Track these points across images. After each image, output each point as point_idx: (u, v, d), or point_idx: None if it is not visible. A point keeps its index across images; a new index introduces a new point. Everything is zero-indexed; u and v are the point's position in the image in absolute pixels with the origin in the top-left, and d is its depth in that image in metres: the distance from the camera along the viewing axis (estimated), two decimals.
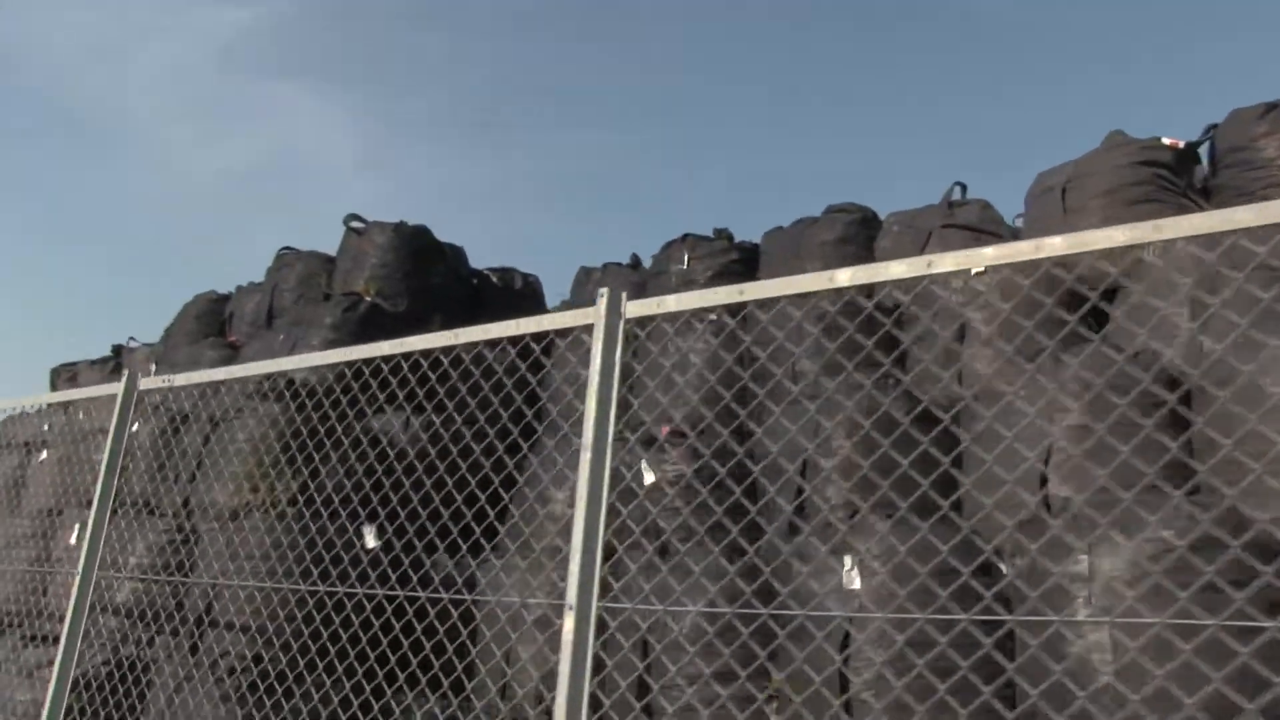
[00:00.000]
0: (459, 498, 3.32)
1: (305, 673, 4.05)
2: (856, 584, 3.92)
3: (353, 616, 3.73)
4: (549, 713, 3.96)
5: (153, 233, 27.45)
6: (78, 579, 3.84)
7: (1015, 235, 5.67)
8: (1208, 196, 4.92)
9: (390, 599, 3.60)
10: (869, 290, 4.26)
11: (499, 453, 3.34)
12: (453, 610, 3.38)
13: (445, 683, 3.53)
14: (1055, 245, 2.16)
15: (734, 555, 3.94)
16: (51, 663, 4.01)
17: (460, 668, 3.61)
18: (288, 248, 7.29)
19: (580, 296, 7.00)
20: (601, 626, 2.67)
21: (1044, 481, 3.88)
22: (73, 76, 27.05)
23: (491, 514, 3.25)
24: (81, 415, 6.13)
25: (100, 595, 4.39)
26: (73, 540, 5.43)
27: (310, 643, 3.98)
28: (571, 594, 2.63)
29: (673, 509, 4.46)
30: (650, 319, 2.86)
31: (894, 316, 4.24)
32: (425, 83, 28.39)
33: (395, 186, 26.72)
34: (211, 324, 7.39)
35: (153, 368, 6.83)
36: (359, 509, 4.37)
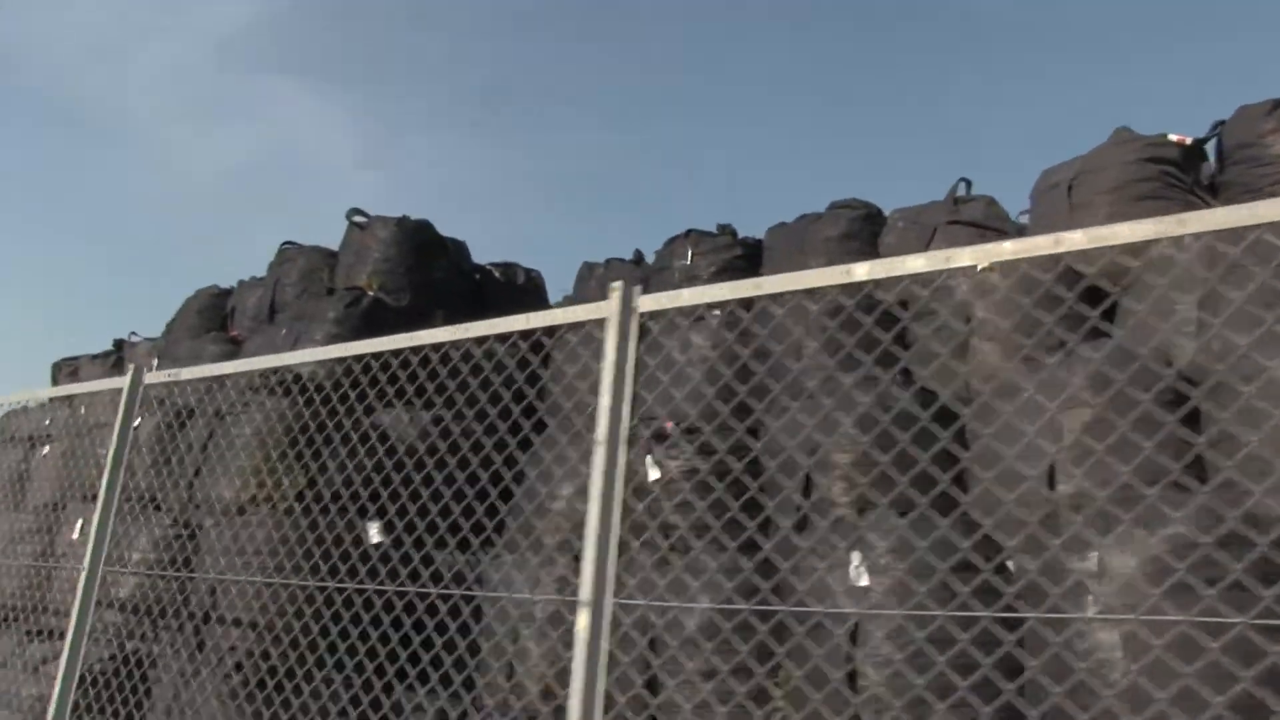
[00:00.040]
0: (471, 493, 3.31)
1: (312, 669, 4.04)
2: (864, 581, 3.91)
3: (362, 613, 3.71)
4: (559, 709, 3.95)
5: (153, 232, 27.42)
6: (84, 574, 3.83)
7: (1020, 231, 5.66)
8: (1215, 193, 4.91)
9: (396, 594, 3.58)
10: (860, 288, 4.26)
11: (510, 448, 3.33)
12: (463, 606, 3.36)
13: (456, 680, 3.52)
14: (1075, 240, 2.15)
15: (737, 553, 3.93)
16: (56, 657, 4.00)
17: (473, 664, 3.59)
18: (289, 242, 7.26)
19: (583, 292, 6.98)
20: (613, 623, 2.66)
21: (1052, 477, 3.87)
22: (72, 76, 27.00)
23: (504, 510, 3.23)
24: (84, 410, 6.11)
25: (104, 590, 4.37)
26: (75, 535, 5.41)
27: (320, 639, 3.96)
28: (585, 590, 2.62)
29: (677, 505, 4.44)
30: (662, 313, 2.85)
31: (907, 315, 4.22)
32: (425, 80, 28.35)
33: (395, 185, 26.69)
34: (213, 319, 7.36)
35: (154, 362, 6.79)
36: (364, 504, 4.35)
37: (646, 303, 2.82)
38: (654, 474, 4.70)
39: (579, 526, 2.79)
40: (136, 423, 4.30)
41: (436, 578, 3.83)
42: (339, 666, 3.78)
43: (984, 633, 2.68)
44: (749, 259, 6.52)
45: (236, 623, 4.40)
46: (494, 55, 25.74)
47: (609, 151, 26.24)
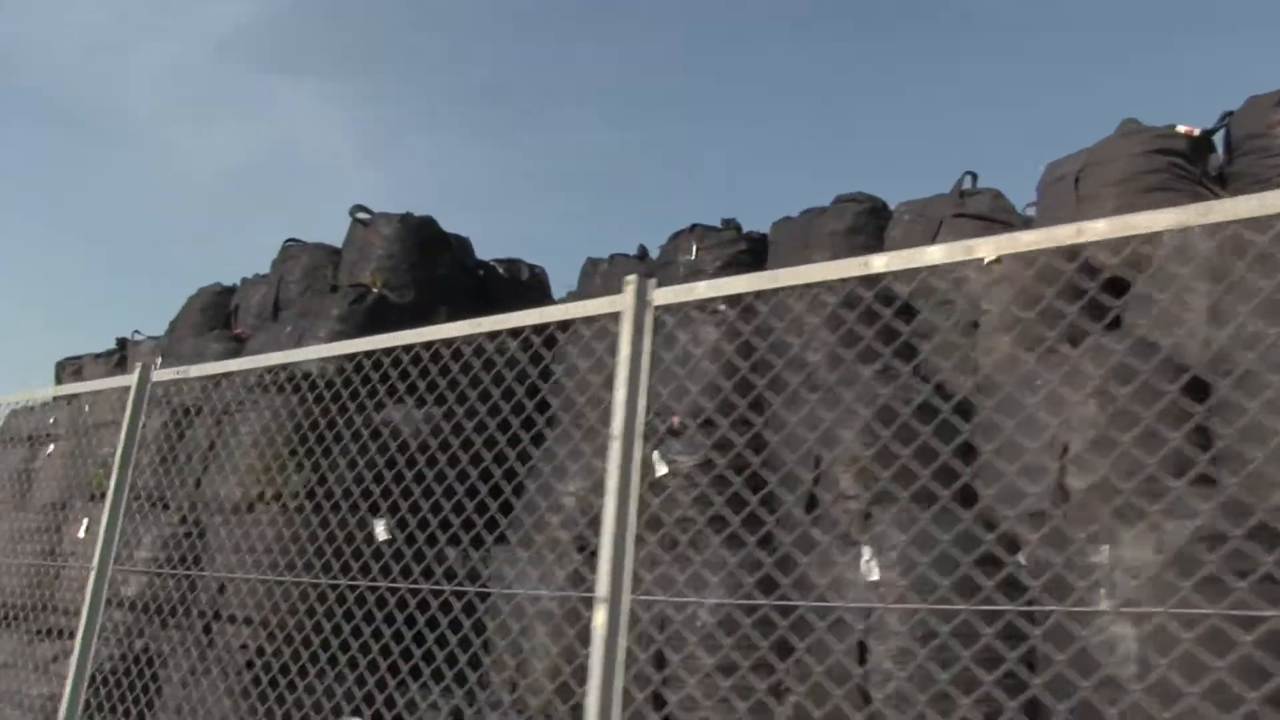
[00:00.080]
0: (484, 488, 3.29)
1: (324, 668, 4.02)
2: (875, 575, 3.89)
3: (375, 610, 3.69)
4: (553, 704, 3.94)
5: (153, 231, 27.39)
6: (93, 573, 3.80)
7: (1027, 224, 5.64)
8: (1223, 184, 4.89)
9: (409, 592, 3.56)
10: (873, 281, 4.24)
11: (524, 443, 3.31)
12: (478, 603, 3.35)
13: (471, 678, 3.50)
14: (1098, 229, 2.13)
15: (753, 548, 3.91)
16: (62, 656, 3.98)
17: (488, 661, 3.57)
18: (293, 239, 7.24)
19: (587, 288, 6.95)
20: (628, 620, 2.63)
21: (1062, 471, 3.86)
22: (72, 75, 26.96)
23: (518, 505, 3.21)
24: (87, 409, 6.09)
25: (111, 589, 4.35)
26: (81, 534, 5.39)
27: (332, 637, 3.94)
28: (602, 586, 2.60)
29: (685, 500, 4.43)
30: (678, 306, 2.83)
31: (899, 307, 4.20)
32: (425, 79, 28.31)
33: (395, 184, 26.70)
34: (216, 316, 7.34)
35: (158, 361, 6.77)
36: (374, 501, 4.32)
37: (661, 296, 2.79)
38: (661, 469, 4.68)
39: (595, 522, 2.77)
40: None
41: (449, 575, 3.82)
42: (352, 665, 3.76)
43: (1001, 627, 2.66)
44: (754, 253, 6.49)
45: (248, 621, 4.38)
46: (494, 55, 25.73)
47: (609, 151, 26.24)
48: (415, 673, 3.40)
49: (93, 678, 3.91)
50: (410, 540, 3.61)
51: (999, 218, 5.75)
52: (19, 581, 5.53)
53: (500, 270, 7.48)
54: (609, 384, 2.75)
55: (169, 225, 27.66)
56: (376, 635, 3.54)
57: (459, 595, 3.41)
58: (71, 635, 4.10)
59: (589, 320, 3.07)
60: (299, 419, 4.66)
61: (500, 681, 4.05)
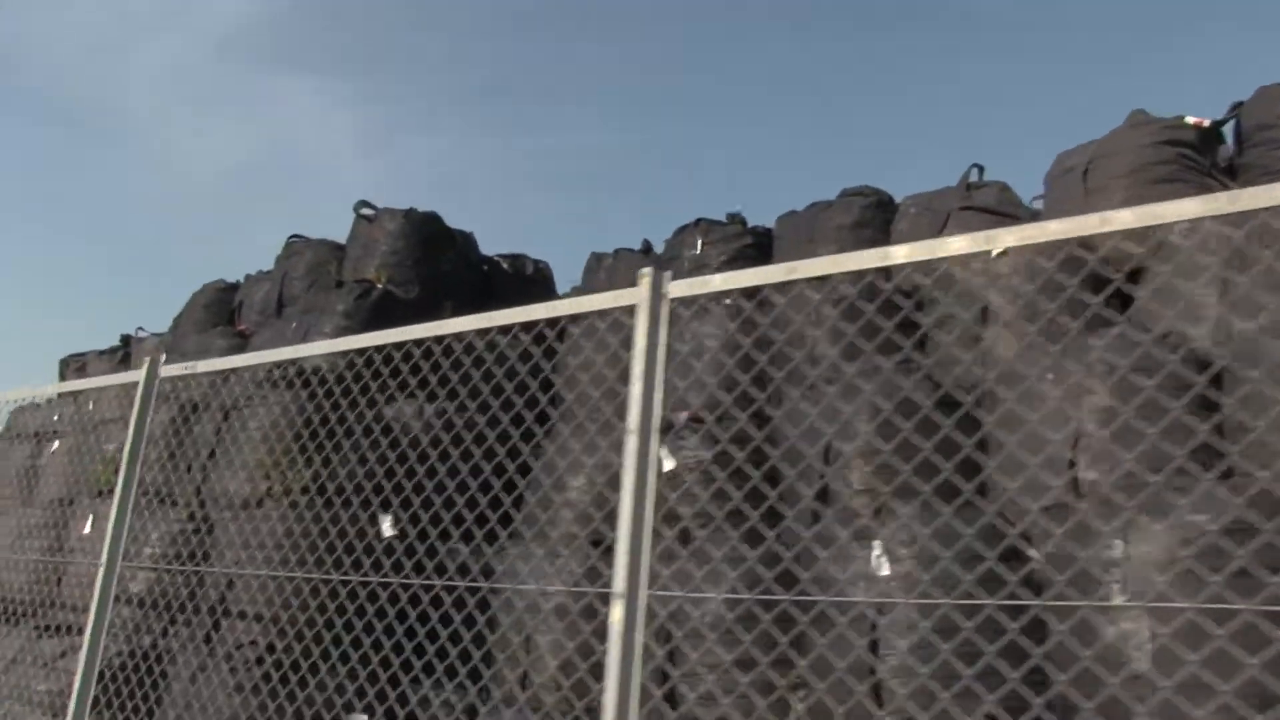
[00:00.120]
0: (498, 484, 3.27)
1: (321, 662, 4.01)
2: (885, 570, 3.87)
3: (387, 606, 3.67)
4: (568, 701, 3.92)
5: (153, 230, 27.36)
6: (101, 569, 3.78)
7: (1034, 217, 5.62)
8: (1233, 175, 4.87)
9: (422, 588, 3.54)
10: (887, 273, 4.21)
11: (537, 437, 3.28)
12: (492, 600, 3.33)
13: (483, 674, 3.48)
14: (1124, 219, 2.11)
15: (757, 542, 3.89)
16: (71, 652, 3.96)
17: (502, 658, 3.55)
18: (297, 235, 7.22)
19: (591, 283, 6.93)
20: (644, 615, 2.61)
21: (1072, 465, 3.83)
22: (72, 75, 26.91)
23: (532, 501, 3.19)
24: (91, 405, 6.07)
25: (118, 585, 4.33)
26: (86, 530, 5.37)
27: (344, 633, 3.92)
28: (619, 582, 2.57)
29: (693, 495, 4.41)
30: (692, 299, 2.80)
31: (910, 305, 4.18)
32: (425, 78, 28.27)
33: (395, 183, 26.69)
34: (220, 313, 7.33)
35: (163, 357, 6.75)
36: (385, 497, 4.30)
37: (677, 288, 2.76)
38: (669, 464, 4.66)
39: (609, 517, 2.75)
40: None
41: (462, 570, 3.80)
42: (363, 661, 3.74)
43: (995, 624, 2.64)
44: (759, 247, 6.47)
45: (256, 618, 4.36)
46: (494, 54, 25.69)
47: (609, 151, 26.20)
48: (428, 669, 3.37)
49: (101, 674, 3.89)
50: (422, 536, 3.59)
51: (1006, 211, 5.73)
52: (25, 577, 5.51)
53: (505, 265, 7.47)
54: (606, 379, 2.72)
55: (169, 224, 27.65)
56: (387, 632, 3.51)
57: (472, 591, 3.39)
58: (78, 631, 4.08)
59: (583, 317, 3.04)
60: (307, 414, 4.64)
61: (514, 678, 4.03)
